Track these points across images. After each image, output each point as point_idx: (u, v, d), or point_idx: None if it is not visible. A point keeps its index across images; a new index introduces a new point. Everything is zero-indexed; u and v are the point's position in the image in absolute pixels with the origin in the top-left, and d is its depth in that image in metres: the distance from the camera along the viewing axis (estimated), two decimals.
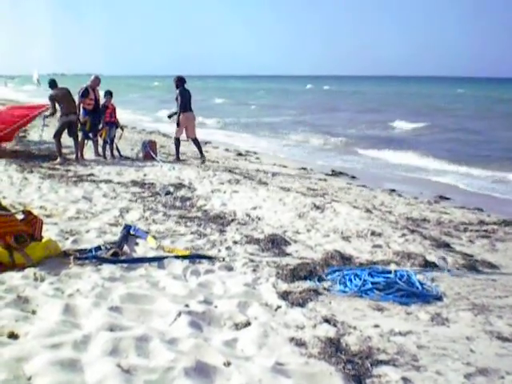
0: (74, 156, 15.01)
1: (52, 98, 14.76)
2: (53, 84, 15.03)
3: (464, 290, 6.20)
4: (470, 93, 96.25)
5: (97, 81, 15.77)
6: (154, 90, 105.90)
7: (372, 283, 5.97)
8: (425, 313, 5.41)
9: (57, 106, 14.73)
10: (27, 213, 6.63)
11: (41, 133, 16.45)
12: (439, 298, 5.86)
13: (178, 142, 16.57)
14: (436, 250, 7.82)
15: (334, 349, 4.38)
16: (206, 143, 24.56)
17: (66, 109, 14.70)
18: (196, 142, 16.64)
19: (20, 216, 6.51)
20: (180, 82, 16.20)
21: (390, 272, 6.37)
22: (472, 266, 7.18)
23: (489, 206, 13.18)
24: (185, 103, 16.13)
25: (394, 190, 14.85)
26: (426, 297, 5.84)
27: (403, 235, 8.43)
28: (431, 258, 7.28)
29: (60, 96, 14.80)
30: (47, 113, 15.55)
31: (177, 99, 16.11)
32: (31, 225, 6.40)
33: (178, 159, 16.53)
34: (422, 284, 6.12)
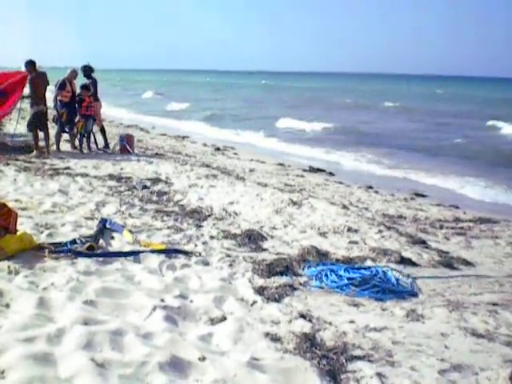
0: (50, 148, 14.81)
1: (30, 82, 14.22)
2: (31, 65, 14.34)
3: (439, 286, 6.25)
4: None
5: (74, 73, 15.61)
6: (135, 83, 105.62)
7: (348, 279, 6.00)
8: (400, 309, 5.43)
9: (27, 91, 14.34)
10: (2, 205, 6.55)
11: (16, 125, 16.26)
12: (414, 295, 5.90)
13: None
14: (412, 246, 7.87)
15: (309, 344, 4.39)
16: (183, 138, 24.49)
17: (37, 98, 14.38)
18: (103, 131, 16.79)
19: None
20: (90, 71, 16.32)
21: (366, 268, 6.41)
22: (447, 262, 7.24)
23: (464, 203, 13.32)
24: (96, 92, 16.32)
25: (371, 187, 14.91)
26: (401, 293, 5.88)
27: (379, 232, 8.48)
28: (407, 254, 7.32)
29: (35, 81, 14.32)
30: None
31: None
32: (6, 218, 6.33)
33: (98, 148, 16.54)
34: (397, 280, 6.15)
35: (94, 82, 16.31)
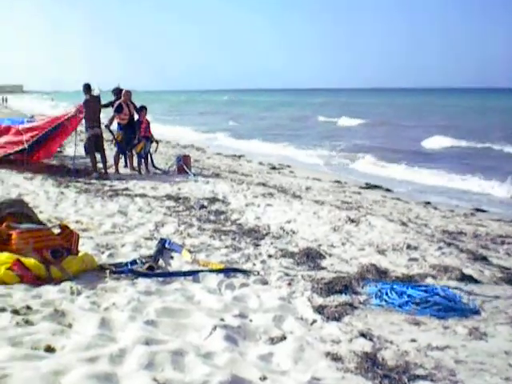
0: (110, 170, 15.06)
1: (85, 105, 14.61)
2: (86, 89, 14.91)
3: (502, 303, 6.11)
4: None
5: (127, 94, 15.82)
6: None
7: (409, 297, 5.91)
8: (462, 327, 5.33)
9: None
10: (64, 227, 6.70)
11: (75, 148, 16.58)
12: (477, 312, 5.79)
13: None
14: (473, 263, 7.72)
15: (370, 363, 4.34)
16: (239, 157, 24.59)
17: (91, 121, 14.68)
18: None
19: (56, 230, 6.58)
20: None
21: (426, 286, 6.32)
22: (510, 279, 7.07)
23: None
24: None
25: (429, 203, 14.73)
26: (463, 311, 5.76)
27: (439, 248, 8.34)
28: (468, 271, 7.19)
29: (90, 104, 14.69)
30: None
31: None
32: (68, 239, 6.47)
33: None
34: (458, 298, 6.05)
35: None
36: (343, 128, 48.03)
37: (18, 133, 15.42)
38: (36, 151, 15.84)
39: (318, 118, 58.94)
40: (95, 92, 14.99)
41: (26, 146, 15.23)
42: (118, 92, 16.32)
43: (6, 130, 15.80)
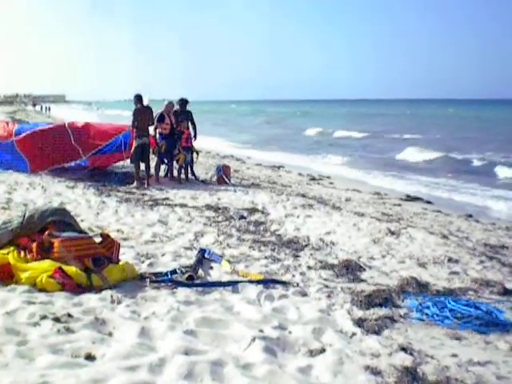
0: (150, 180, 15.17)
1: (135, 114, 14.86)
2: (137, 99, 15.14)
3: None
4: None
5: (170, 106, 15.99)
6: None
7: (450, 311, 5.84)
8: (504, 342, 5.25)
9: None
10: (105, 236, 6.76)
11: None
12: None
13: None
14: None
15: (410, 378, 4.30)
16: (278, 167, 24.58)
17: (140, 130, 14.82)
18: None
19: (98, 239, 6.65)
20: (186, 103, 16.83)
21: (468, 300, 6.24)
22: None
23: None
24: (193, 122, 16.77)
25: (470, 216, 14.56)
26: (505, 326, 5.68)
27: (481, 262, 8.24)
28: (510, 285, 7.08)
29: (140, 114, 14.89)
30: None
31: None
32: (109, 248, 6.53)
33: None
34: (500, 312, 5.96)
35: (190, 114, 16.66)
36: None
37: (69, 141, 15.57)
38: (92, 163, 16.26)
39: None
40: (145, 101, 15.19)
41: (84, 158, 15.59)
42: (183, 102, 16.66)
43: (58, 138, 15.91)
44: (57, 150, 15.46)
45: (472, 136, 48.90)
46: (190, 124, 16.47)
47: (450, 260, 8.22)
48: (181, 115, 16.34)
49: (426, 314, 5.86)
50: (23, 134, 15.47)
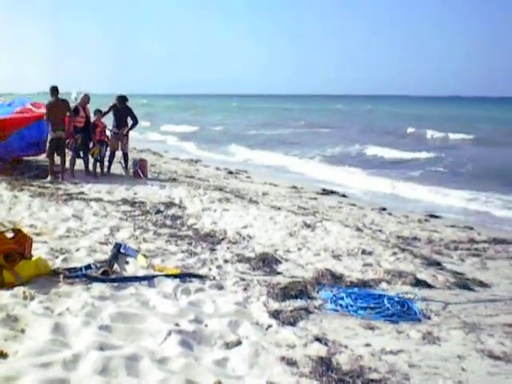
0: (64, 174, 14.84)
1: (48, 107, 14.45)
2: (53, 91, 14.66)
3: (455, 308, 6.21)
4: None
5: (86, 99, 15.72)
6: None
7: (363, 302, 5.97)
8: (416, 331, 5.40)
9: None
10: (17, 231, 6.59)
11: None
12: (430, 317, 5.86)
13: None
14: (427, 268, 7.83)
15: (325, 368, 4.37)
16: (196, 162, 24.51)
17: (54, 124, 14.44)
18: (126, 156, 16.98)
19: (10, 234, 6.47)
20: (126, 100, 16.66)
21: (380, 291, 6.39)
22: (463, 284, 7.19)
23: (479, 224, 13.26)
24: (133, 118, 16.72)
25: (384, 209, 14.87)
26: (416, 316, 5.84)
27: (394, 254, 8.45)
28: (422, 276, 7.29)
29: (53, 106, 14.47)
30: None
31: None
32: (21, 243, 6.36)
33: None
34: (411, 303, 6.13)
35: (129, 110, 16.46)
36: None
37: None
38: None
39: None
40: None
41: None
42: (122, 99, 16.39)
43: None
44: None
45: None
46: (129, 119, 16.35)
47: (363, 252, 8.40)
48: (120, 111, 16.22)
49: (340, 305, 5.98)
50: None
